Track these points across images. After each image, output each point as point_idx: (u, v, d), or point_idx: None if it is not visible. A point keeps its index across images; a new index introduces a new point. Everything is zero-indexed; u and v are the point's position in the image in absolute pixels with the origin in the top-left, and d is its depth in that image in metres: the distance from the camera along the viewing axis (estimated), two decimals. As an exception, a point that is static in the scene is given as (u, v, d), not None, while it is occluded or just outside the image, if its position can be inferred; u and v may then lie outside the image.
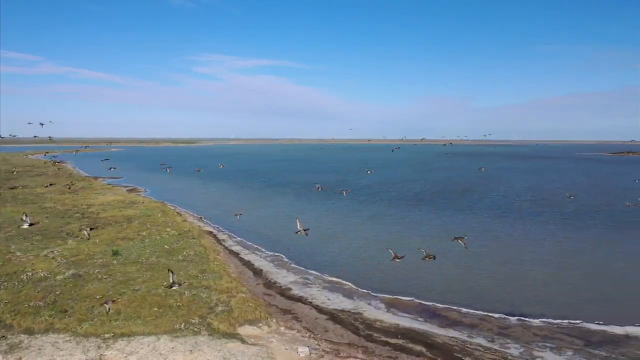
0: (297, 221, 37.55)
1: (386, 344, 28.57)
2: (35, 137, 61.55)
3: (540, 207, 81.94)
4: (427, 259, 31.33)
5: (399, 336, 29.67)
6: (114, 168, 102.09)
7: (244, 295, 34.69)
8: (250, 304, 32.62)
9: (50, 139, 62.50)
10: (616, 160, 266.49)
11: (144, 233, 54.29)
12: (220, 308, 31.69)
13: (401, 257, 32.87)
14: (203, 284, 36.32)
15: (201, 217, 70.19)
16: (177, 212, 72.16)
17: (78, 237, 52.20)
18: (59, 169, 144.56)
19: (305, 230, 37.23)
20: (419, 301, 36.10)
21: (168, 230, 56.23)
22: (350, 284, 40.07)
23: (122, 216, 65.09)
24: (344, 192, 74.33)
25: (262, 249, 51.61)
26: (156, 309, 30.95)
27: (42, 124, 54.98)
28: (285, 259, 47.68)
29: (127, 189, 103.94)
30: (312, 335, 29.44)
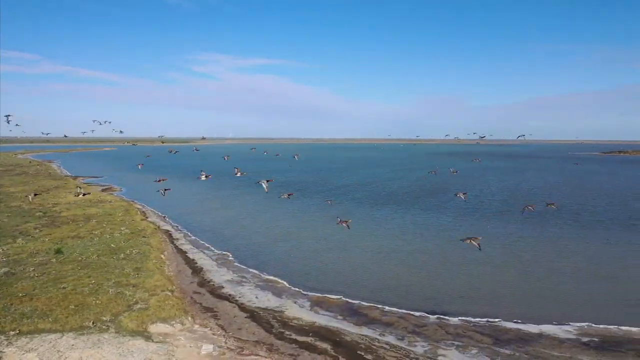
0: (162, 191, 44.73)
1: (294, 341, 28.74)
2: (113, 130, 73.96)
3: (509, 206, 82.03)
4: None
5: (310, 334, 29.83)
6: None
7: (168, 293, 34.93)
8: (170, 302, 32.86)
9: (121, 132, 74.11)
10: (606, 159, 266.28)
11: (97, 232, 54.56)
12: (138, 306, 31.90)
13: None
14: (131, 282, 36.54)
15: (164, 217, 70.39)
16: (142, 212, 72.36)
17: (29, 235, 52.54)
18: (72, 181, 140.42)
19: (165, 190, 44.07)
20: (346, 299, 36.24)
21: (122, 229, 56.45)
22: (284, 282, 40.24)
23: (82, 215, 65.35)
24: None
25: (212, 248, 51.78)
26: (73, 306, 31.15)
27: (100, 123, 67.40)
28: (231, 258, 47.85)
29: (102, 188, 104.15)
30: (223, 333, 29.62)
